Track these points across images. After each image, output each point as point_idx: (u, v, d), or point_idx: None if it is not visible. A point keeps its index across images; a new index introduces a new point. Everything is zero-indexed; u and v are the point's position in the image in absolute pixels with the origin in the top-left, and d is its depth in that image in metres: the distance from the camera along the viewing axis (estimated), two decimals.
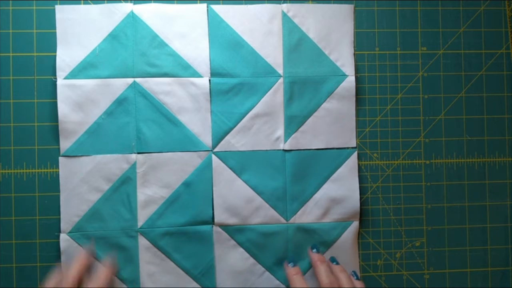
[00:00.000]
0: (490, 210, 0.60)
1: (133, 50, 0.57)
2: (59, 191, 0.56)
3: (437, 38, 0.60)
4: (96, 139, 0.56)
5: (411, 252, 0.59)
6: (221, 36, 0.58)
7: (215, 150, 0.58)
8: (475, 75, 0.61)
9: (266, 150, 0.58)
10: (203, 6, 0.58)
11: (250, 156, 0.58)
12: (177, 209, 0.57)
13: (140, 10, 0.57)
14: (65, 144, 0.56)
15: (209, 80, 0.57)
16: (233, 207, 0.57)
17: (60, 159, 0.56)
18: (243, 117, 0.58)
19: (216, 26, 0.58)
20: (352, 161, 0.58)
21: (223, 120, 0.58)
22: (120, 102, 0.56)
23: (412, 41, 0.60)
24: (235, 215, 0.57)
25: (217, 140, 0.58)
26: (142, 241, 0.56)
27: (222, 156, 0.57)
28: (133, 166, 0.56)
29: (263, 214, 0.57)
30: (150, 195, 0.56)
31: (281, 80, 0.58)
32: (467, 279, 0.59)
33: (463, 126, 0.60)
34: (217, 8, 0.58)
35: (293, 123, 0.58)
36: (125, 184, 0.56)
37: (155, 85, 0.57)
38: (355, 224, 0.57)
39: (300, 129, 0.58)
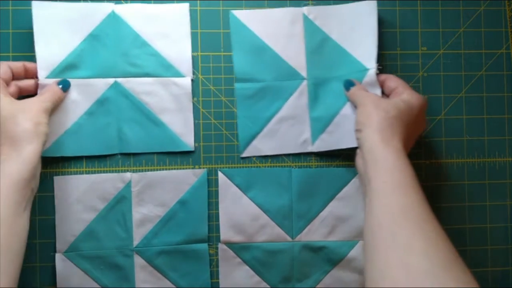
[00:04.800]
0: (490, 210, 0.60)
1: (114, 50, 0.56)
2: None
3: (437, 38, 0.60)
4: (76, 139, 0.55)
5: None
6: (243, 41, 0.57)
7: (243, 155, 0.58)
8: (475, 75, 0.61)
9: (269, 167, 0.58)
10: (185, 5, 0.57)
11: (257, 173, 0.57)
12: (172, 227, 0.56)
13: (121, 9, 0.56)
14: (45, 145, 0.55)
15: (192, 80, 0.57)
16: (239, 225, 0.57)
17: (55, 179, 0.55)
18: (269, 121, 0.57)
19: (238, 32, 0.57)
20: (358, 180, 0.56)
21: (248, 125, 0.57)
22: (102, 102, 0.56)
23: (412, 41, 0.60)
24: (240, 232, 0.57)
25: (245, 145, 0.57)
26: (138, 260, 0.56)
27: (229, 173, 0.57)
28: (128, 185, 0.56)
29: (269, 232, 0.57)
30: (145, 214, 0.56)
31: (305, 82, 0.57)
32: None
33: (463, 126, 0.60)
34: (239, 14, 0.58)
35: (320, 125, 0.57)
36: (120, 203, 0.56)
37: (136, 85, 0.56)
38: (362, 243, 0.56)
39: (327, 129, 0.57)
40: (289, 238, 0.57)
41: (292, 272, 0.57)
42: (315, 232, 0.57)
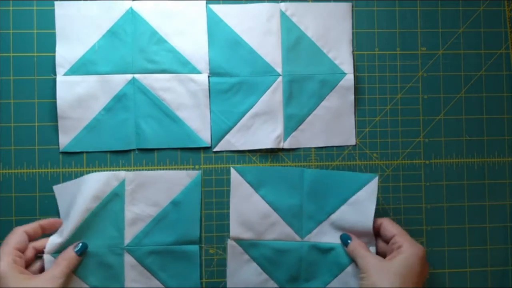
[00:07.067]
0: (489, 210, 0.60)
1: (132, 46, 0.57)
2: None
3: (436, 39, 0.61)
4: (95, 135, 0.56)
5: None
6: (220, 35, 0.58)
7: (215, 149, 0.58)
8: (475, 75, 0.61)
9: (282, 166, 0.58)
10: (202, 3, 0.58)
11: (268, 171, 0.58)
12: (164, 228, 0.56)
13: (139, 6, 0.57)
14: (64, 140, 0.56)
15: (208, 76, 0.57)
16: (248, 222, 0.57)
17: (55, 188, 0.55)
18: (243, 116, 0.58)
19: (214, 26, 0.58)
20: (372, 187, 0.55)
21: (222, 120, 0.58)
22: (119, 98, 0.56)
23: (412, 41, 0.60)
24: (250, 229, 0.57)
25: (217, 139, 0.58)
26: (128, 259, 0.55)
27: (241, 170, 0.57)
28: (122, 184, 0.56)
29: (278, 231, 0.57)
30: (137, 213, 0.56)
31: (280, 79, 0.58)
32: (466, 279, 0.59)
33: (462, 126, 0.60)
34: (216, 7, 0.58)
35: (293, 122, 0.58)
36: (113, 201, 0.56)
37: (154, 81, 0.57)
38: (372, 249, 0.54)
39: (299, 127, 0.58)
40: (298, 238, 0.57)
41: (300, 271, 0.56)
42: (324, 234, 0.56)
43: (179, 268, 0.56)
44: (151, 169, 0.57)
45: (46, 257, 0.52)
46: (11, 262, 0.47)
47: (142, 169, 0.57)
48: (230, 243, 0.57)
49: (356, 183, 0.56)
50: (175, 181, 0.57)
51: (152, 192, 0.56)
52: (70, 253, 0.52)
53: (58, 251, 0.53)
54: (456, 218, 0.60)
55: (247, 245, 0.57)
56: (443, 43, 0.61)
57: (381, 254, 0.53)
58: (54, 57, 0.56)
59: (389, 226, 0.53)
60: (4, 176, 0.56)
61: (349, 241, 0.54)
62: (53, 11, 0.57)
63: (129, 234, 0.56)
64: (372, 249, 0.54)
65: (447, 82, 0.60)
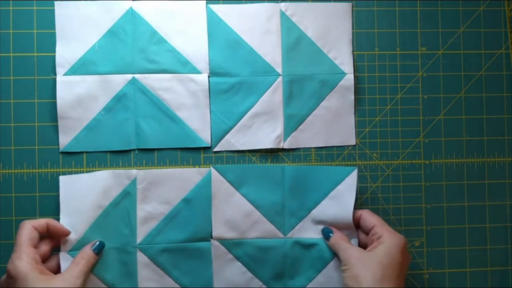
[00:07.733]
0: (489, 210, 0.60)
1: (132, 46, 0.57)
2: (59, 191, 0.56)
3: (436, 38, 0.61)
4: (95, 135, 0.56)
5: (410, 252, 0.59)
6: (219, 35, 0.58)
7: (215, 149, 0.58)
8: (475, 75, 0.61)
9: (266, 164, 0.58)
10: (202, 2, 0.58)
11: (249, 170, 0.58)
12: (176, 225, 0.56)
13: (139, 6, 0.57)
14: (64, 140, 0.56)
15: (208, 76, 0.57)
16: (231, 221, 0.57)
17: (61, 179, 0.54)
18: (243, 116, 0.58)
19: (214, 26, 0.58)
20: (352, 179, 0.56)
21: (222, 120, 0.58)
22: (119, 98, 0.57)
23: (412, 41, 0.60)
24: (233, 229, 0.57)
25: (217, 139, 0.58)
26: (141, 257, 0.55)
27: (221, 170, 0.57)
28: (133, 182, 0.56)
29: (261, 228, 0.57)
30: (149, 211, 0.56)
31: (280, 79, 0.58)
32: (466, 279, 0.59)
33: (462, 126, 0.60)
34: (216, 7, 0.58)
35: (293, 122, 0.58)
36: (125, 200, 0.56)
37: (154, 81, 0.57)
38: (354, 241, 0.55)
39: (299, 127, 0.58)
40: (281, 235, 0.57)
41: (284, 268, 0.56)
42: (307, 230, 0.57)
43: (192, 266, 0.56)
44: (152, 169, 0.57)
45: (62, 254, 0.53)
46: (32, 262, 0.47)
47: (144, 169, 0.57)
48: (213, 243, 0.57)
49: (336, 176, 0.57)
50: (186, 179, 0.57)
51: (164, 190, 0.56)
52: (88, 252, 0.52)
53: (74, 248, 0.53)
54: (456, 218, 0.60)
55: (231, 245, 0.57)
56: (443, 43, 0.61)
57: (363, 246, 0.54)
58: (54, 57, 0.56)
59: (368, 217, 0.53)
60: (4, 176, 0.56)
61: (330, 234, 0.55)
62: (53, 11, 0.57)
63: (141, 233, 0.56)
64: (354, 241, 0.55)
65: (447, 82, 0.60)
